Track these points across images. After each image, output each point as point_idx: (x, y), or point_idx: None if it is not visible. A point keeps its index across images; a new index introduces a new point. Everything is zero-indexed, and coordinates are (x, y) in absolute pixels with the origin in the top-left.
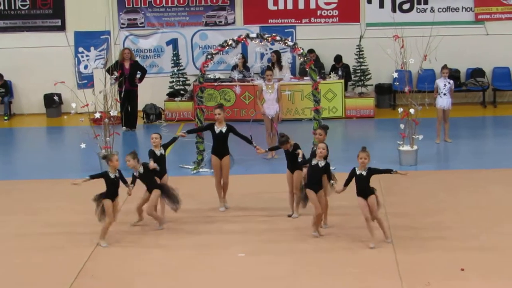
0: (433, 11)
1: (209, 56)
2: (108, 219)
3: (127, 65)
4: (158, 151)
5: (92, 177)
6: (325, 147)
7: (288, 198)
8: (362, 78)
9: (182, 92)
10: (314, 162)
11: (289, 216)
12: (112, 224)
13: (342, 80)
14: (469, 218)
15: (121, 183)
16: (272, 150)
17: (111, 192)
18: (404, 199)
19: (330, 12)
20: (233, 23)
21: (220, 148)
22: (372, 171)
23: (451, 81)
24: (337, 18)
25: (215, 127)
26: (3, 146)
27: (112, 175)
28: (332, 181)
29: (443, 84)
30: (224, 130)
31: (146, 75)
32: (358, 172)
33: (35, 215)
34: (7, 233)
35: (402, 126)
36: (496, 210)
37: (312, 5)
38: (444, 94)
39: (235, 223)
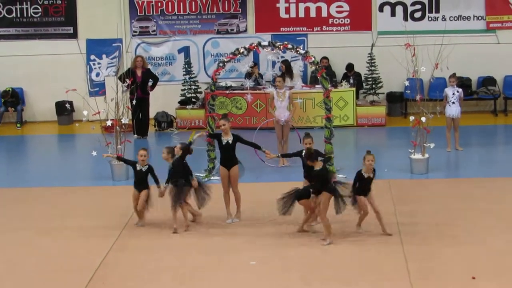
0: (445, 19)
1: (220, 64)
2: (133, 204)
3: (139, 72)
4: (140, 167)
5: (121, 159)
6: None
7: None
8: (373, 86)
9: (193, 100)
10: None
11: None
12: (136, 210)
13: (354, 88)
14: (482, 226)
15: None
16: (284, 157)
17: (136, 182)
18: (415, 207)
19: (341, 21)
20: (245, 31)
21: (228, 158)
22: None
23: (460, 90)
24: (349, 26)
25: (222, 138)
26: (15, 153)
27: (138, 167)
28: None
29: (452, 92)
30: (230, 140)
31: (158, 83)
32: (366, 175)
33: (46, 223)
34: (18, 240)
35: (413, 134)
36: (509, 219)
37: (324, 14)
38: (453, 102)
39: (246, 231)
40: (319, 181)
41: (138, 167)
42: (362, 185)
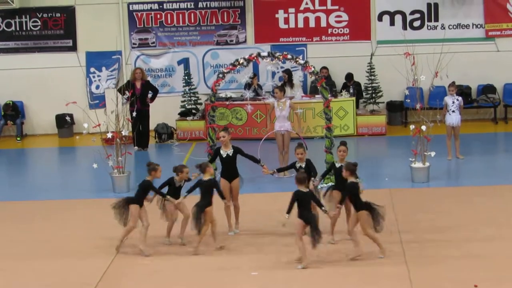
0: (444, 28)
1: (220, 75)
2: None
3: (138, 84)
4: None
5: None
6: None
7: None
8: (373, 95)
9: (193, 111)
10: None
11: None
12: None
13: (354, 98)
14: (484, 234)
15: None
16: (280, 172)
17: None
18: (416, 216)
19: (341, 30)
20: (244, 42)
21: (229, 171)
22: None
23: (460, 98)
24: (348, 36)
25: (221, 151)
26: (16, 167)
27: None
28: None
29: (452, 101)
30: (230, 153)
31: (158, 95)
32: (337, 165)
33: (47, 235)
34: (18, 253)
35: (414, 142)
36: (511, 227)
37: (323, 24)
38: (453, 111)
39: (247, 241)
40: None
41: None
42: (336, 177)
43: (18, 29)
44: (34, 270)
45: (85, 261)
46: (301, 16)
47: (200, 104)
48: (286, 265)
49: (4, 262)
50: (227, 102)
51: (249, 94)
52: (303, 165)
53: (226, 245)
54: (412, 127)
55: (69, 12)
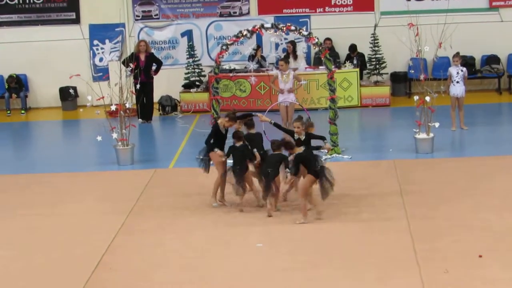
0: None
1: (224, 47)
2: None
3: (142, 57)
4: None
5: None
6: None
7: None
8: (377, 66)
9: (197, 83)
10: None
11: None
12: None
13: (357, 69)
14: (488, 205)
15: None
16: (276, 127)
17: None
18: (421, 187)
19: (344, 1)
20: (248, 13)
21: (224, 144)
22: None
23: (464, 69)
24: (352, 7)
25: (221, 128)
26: (20, 140)
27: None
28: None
29: (456, 71)
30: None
31: (162, 67)
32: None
33: (52, 209)
34: (24, 226)
35: (418, 113)
36: None
37: None
38: (457, 82)
39: (252, 214)
40: (304, 163)
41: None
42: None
43: (21, 2)
44: (37, 242)
45: (90, 234)
46: None
47: (204, 76)
48: (290, 237)
49: (9, 235)
50: (231, 74)
51: (252, 66)
52: (302, 138)
53: (229, 217)
54: (416, 98)
55: None
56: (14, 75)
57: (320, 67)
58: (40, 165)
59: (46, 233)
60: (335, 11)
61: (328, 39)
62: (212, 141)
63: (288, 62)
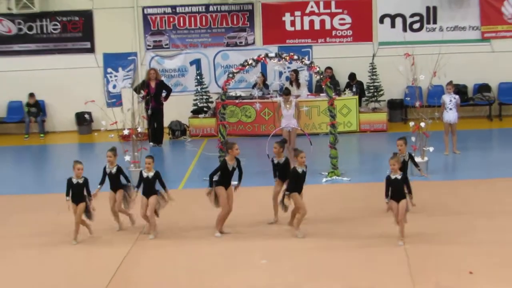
0: (442, 30)
1: (230, 75)
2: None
3: (153, 84)
4: (146, 173)
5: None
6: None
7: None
8: (375, 94)
9: (205, 109)
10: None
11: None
12: (145, 218)
13: (357, 96)
14: (480, 226)
15: None
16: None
17: (144, 190)
18: (415, 208)
19: (344, 32)
20: (253, 43)
21: (228, 179)
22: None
23: (457, 96)
24: (351, 38)
25: (228, 164)
26: (40, 162)
27: (144, 174)
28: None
29: (449, 99)
30: (235, 165)
31: (171, 94)
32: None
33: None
34: (46, 243)
35: (413, 138)
36: (507, 218)
37: (327, 26)
38: (450, 109)
39: (255, 231)
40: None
41: (145, 174)
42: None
43: (39, 32)
44: (61, 258)
45: (106, 248)
46: (306, 19)
47: (211, 102)
48: (293, 254)
49: (32, 251)
50: (237, 101)
51: (257, 93)
52: (304, 169)
53: (234, 235)
54: (411, 123)
55: (87, 16)
56: (34, 94)
57: (321, 94)
58: (59, 185)
59: (65, 248)
60: (335, 42)
61: (329, 68)
62: (217, 176)
63: (289, 94)
